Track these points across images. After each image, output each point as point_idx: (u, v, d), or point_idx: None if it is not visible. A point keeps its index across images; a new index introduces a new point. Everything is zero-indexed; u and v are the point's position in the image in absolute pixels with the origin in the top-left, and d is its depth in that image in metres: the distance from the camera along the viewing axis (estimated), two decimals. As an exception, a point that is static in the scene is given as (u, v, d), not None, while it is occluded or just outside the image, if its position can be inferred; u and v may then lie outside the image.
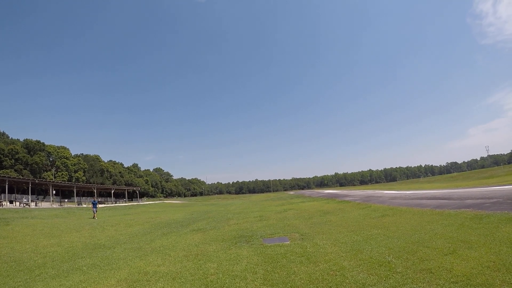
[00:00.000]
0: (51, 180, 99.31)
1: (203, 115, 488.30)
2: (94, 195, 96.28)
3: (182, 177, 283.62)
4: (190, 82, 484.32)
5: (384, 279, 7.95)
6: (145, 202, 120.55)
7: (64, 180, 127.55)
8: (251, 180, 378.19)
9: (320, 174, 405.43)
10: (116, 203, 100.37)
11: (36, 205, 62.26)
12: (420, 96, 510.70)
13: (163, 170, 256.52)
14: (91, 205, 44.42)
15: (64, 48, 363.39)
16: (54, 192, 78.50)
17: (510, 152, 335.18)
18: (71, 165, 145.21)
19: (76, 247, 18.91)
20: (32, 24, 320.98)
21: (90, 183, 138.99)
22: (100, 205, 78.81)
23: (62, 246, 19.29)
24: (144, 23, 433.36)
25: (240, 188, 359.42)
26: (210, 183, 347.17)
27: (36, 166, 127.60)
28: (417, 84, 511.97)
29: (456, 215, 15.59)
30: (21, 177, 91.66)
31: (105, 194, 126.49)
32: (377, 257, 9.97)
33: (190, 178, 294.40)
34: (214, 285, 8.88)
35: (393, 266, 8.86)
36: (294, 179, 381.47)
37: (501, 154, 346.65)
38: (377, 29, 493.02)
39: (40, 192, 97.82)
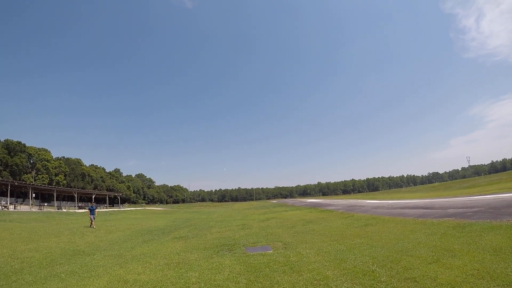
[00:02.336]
0: (31, 183, 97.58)
1: (186, 121, 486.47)
2: (75, 200, 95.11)
3: (164, 184, 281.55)
4: (173, 87, 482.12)
5: (368, 288, 7.87)
6: (127, 208, 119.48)
7: (45, 183, 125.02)
8: (234, 188, 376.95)
9: (303, 183, 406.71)
10: (97, 208, 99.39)
11: (15, 208, 61.19)
12: (401, 107, 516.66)
13: (146, 176, 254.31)
14: (87, 211, 39.95)
15: (45, 50, 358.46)
16: (34, 195, 77.18)
17: (490, 163, 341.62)
18: (52, 168, 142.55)
19: (54, 252, 18.51)
20: (14, 26, 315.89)
21: (71, 187, 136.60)
22: (80, 210, 77.79)
23: (40, 251, 18.87)
24: (130, 27, 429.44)
25: (223, 196, 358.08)
26: (192, 191, 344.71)
27: (16, 168, 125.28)
28: (398, 95, 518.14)
29: (439, 224, 15.70)
30: (0, 179, 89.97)
31: (85, 199, 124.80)
32: (361, 266, 9.92)
33: (172, 185, 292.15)
34: (196, 295, 8.72)
35: (377, 275, 8.81)
36: (277, 188, 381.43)
37: (482, 164, 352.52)
38: (360, 41, 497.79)
39: (20, 194, 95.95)
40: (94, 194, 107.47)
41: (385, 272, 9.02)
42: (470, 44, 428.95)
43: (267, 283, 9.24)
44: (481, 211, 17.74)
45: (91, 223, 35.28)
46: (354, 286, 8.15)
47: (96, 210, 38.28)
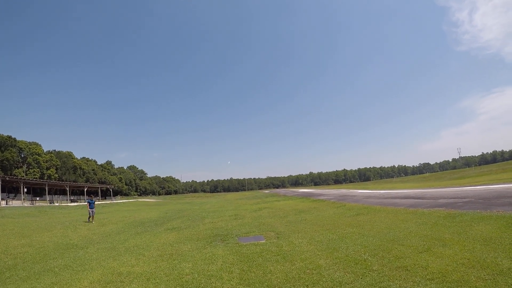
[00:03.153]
0: (23, 178, 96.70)
1: (178, 113, 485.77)
2: (67, 193, 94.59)
3: (156, 175, 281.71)
4: (165, 80, 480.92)
5: (360, 277, 7.96)
6: (119, 200, 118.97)
7: (36, 178, 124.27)
8: (226, 179, 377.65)
9: (294, 173, 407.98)
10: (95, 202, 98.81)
11: (6, 204, 60.57)
12: (394, 99, 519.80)
13: (137, 168, 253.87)
14: (87, 204, 34.64)
15: (33, 45, 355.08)
16: (25, 190, 76.72)
17: (481, 155, 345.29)
18: (43, 162, 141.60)
19: (47, 247, 18.41)
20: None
21: (63, 180, 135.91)
22: (72, 204, 77.37)
23: (33, 246, 18.77)
24: (120, 23, 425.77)
25: (215, 187, 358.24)
26: (184, 182, 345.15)
27: (7, 163, 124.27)
28: (390, 86, 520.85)
29: (429, 214, 15.80)
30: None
31: (78, 192, 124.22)
32: (353, 255, 10.00)
33: (164, 176, 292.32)
34: (190, 285, 8.73)
35: (369, 264, 8.89)
36: (269, 178, 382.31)
37: (473, 156, 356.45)
38: (354, 32, 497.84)
39: (11, 190, 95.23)
40: (86, 187, 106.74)
41: (377, 261, 9.10)
42: (463, 37, 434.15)
43: (260, 272, 9.28)
44: (472, 202, 17.87)
45: (91, 218, 32.63)
46: (346, 275, 8.20)
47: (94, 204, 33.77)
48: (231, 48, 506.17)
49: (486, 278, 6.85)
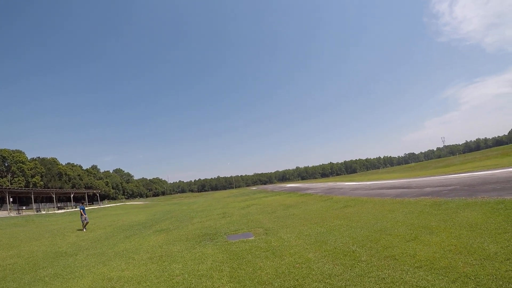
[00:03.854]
0: (8, 187, 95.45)
1: (161, 113, 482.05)
2: (53, 201, 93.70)
3: (143, 177, 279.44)
4: (144, 81, 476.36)
5: (349, 268, 7.99)
6: (106, 205, 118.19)
7: (21, 186, 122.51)
8: (213, 177, 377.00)
9: (281, 168, 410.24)
10: (76, 207, 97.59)
11: (-8, 215, 60.03)
12: (376, 90, 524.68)
13: (124, 171, 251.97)
14: (80, 211, 31.13)
15: (15, 51, 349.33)
16: (11, 199, 75.73)
17: (464, 143, 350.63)
18: (28, 170, 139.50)
19: (36, 256, 18.12)
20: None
21: (49, 187, 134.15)
22: (59, 211, 76.50)
23: (22, 256, 18.47)
24: (101, 24, 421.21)
25: (203, 186, 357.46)
26: (172, 182, 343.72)
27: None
28: (372, 78, 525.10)
29: (416, 202, 15.95)
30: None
31: (64, 199, 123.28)
32: (342, 247, 10.05)
33: (151, 178, 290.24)
34: (180, 286, 8.68)
35: (357, 255, 8.93)
36: (256, 175, 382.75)
37: (457, 144, 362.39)
38: (334, 25, 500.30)
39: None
40: (72, 193, 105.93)
41: (365, 251, 9.16)
42: (443, 29, 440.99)
43: (250, 269, 9.27)
44: (457, 189, 18.07)
45: (84, 226, 30.25)
46: (335, 267, 8.23)
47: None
48: (212, 45, 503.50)
49: (474, 263, 6.92)
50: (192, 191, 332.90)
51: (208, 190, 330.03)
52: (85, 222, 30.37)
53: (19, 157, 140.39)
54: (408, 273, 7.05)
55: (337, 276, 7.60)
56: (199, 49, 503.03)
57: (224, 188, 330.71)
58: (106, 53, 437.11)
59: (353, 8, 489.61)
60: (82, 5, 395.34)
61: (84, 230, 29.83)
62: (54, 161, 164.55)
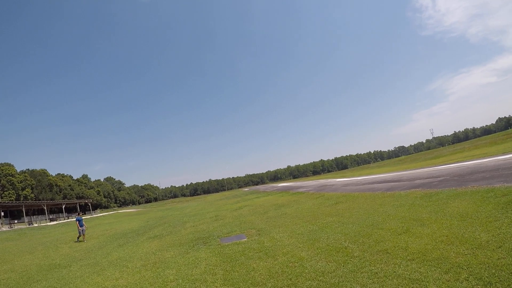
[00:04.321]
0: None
1: (149, 119, 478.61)
2: (45, 212, 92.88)
3: (134, 184, 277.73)
4: (131, 87, 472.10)
5: (342, 264, 7.99)
6: (99, 214, 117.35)
7: (12, 200, 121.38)
8: (205, 181, 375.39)
9: (273, 168, 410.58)
10: (68, 218, 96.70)
11: (-16, 230, 59.34)
12: (362, 86, 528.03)
13: (115, 179, 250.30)
14: (76, 223, 29.67)
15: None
16: (2, 214, 74.97)
17: (453, 133, 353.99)
18: (18, 183, 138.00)
19: (30, 270, 17.90)
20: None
21: (40, 199, 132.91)
22: (52, 223, 75.88)
23: (16, 271, 18.22)
24: (82, 25, 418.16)
25: (195, 190, 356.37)
26: (164, 188, 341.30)
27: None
28: (358, 74, 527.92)
29: (406, 195, 16.03)
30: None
31: (56, 210, 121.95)
32: (334, 244, 10.05)
33: (143, 185, 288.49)
34: (174, 292, 8.66)
35: (350, 251, 8.94)
36: (247, 176, 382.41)
37: (445, 135, 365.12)
38: (317, 21, 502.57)
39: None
40: (64, 204, 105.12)
41: (357, 247, 9.16)
42: (427, 22, 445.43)
43: (243, 271, 9.25)
44: (447, 180, 18.17)
45: (82, 236, 29.02)
46: (328, 264, 8.23)
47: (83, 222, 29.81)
48: (198, 48, 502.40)
49: (466, 253, 6.95)
50: (184, 195, 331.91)
51: (200, 194, 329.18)
52: (83, 233, 29.05)
53: (8, 170, 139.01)
54: (401, 266, 7.06)
55: (330, 273, 7.59)
56: (182, 53, 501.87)
57: (217, 190, 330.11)
58: (90, 62, 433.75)
59: (337, 5, 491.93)
60: (64, 14, 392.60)
61: (84, 240, 28.77)
62: (44, 173, 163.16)
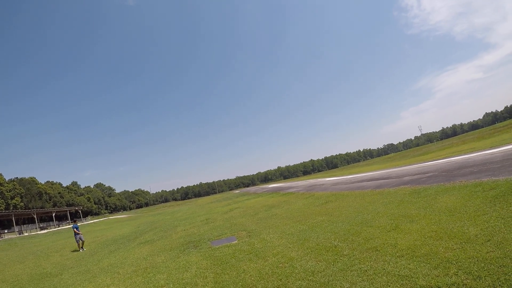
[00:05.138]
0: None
1: (137, 124, 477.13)
2: (35, 221, 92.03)
3: (125, 190, 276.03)
4: (120, 91, 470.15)
5: (332, 263, 7.97)
6: (90, 221, 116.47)
7: (1, 209, 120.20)
8: (195, 184, 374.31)
9: (263, 169, 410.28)
10: (59, 226, 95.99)
11: (-25, 241, 58.60)
12: (349, 85, 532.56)
13: (105, 185, 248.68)
14: (73, 229, 27.63)
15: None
16: (-9, 224, 74.25)
17: (441, 130, 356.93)
18: (7, 192, 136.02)
19: (22, 280, 17.74)
20: None
21: (29, 208, 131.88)
22: (42, 231, 75.13)
23: (7, 281, 18.04)
24: (71, 29, 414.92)
25: (186, 194, 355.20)
26: (154, 192, 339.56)
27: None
28: (344, 73, 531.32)
29: (395, 192, 16.11)
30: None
31: (46, 219, 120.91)
32: (324, 243, 10.04)
33: (133, 190, 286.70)
34: (165, 296, 8.60)
35: (339, 249, 8.93)
36: (238, 178, 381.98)
37: (434, 131, 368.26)
38: (305, 21, 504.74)
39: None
40: (54, 212, 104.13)
41: (347, 245, 9.16)
42: (413, 21, 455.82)
43: (234, 273, 9.21)
44: (435, 175, 18.30)
45: (80, 246, 26.84)
46: (318, 264, 8.20)
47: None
48: (186, 51, 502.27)
49: (455, 248, 6.96)
50: (175, 199, 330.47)
51: (191, 198, 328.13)
52: (81, 241, 26.94)
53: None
54: (390, 263, 7.05)
55: (320, 272, 7.57)
56: (168, 57, 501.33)
57: (208, 194, 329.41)
58: (77, 68, 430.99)
59: (324, 5, 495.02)
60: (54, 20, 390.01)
61: (81, 250, 26.44)
62: (33, 181, 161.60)
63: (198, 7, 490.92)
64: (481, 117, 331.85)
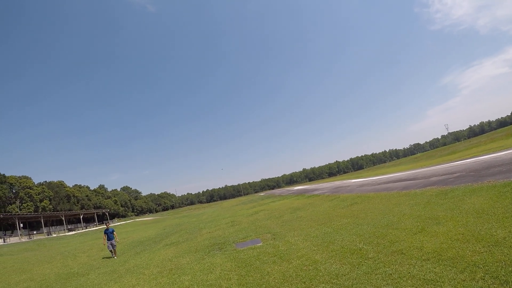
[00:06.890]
0: (17, 213, 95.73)
1: (163, 127, 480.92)
2: (63, 223, 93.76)
3: (151, 193, 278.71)
4: (142, 96, 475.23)
5: (356, 266, 7.91)
6: (116, 223, 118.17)
7: (30, 211, 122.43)
8: (221, 187, 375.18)
9: (288, 171, 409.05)
10: (86, 228, 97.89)
11: (4, 242, 59.81)
12: (375, 83, 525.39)
13: (131, 188, 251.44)
14: (103, 236, 23.36)
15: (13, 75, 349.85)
16: (21, 225, 75.75)
17: (469, 128, 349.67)
18: (36, 195, 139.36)
19: (49, 279, 18.08)
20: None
21: (58, 210, 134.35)
22: (70, 233, 76.45)
23: (35, 280, 18.42)
24: (92, 35, 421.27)
25: (211, 196, 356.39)
26: (180, 195, 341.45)
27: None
28: (369, 73, 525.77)
29: (422, 193, 15.86)
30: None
31: (74, 221, 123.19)
32: (349, 245, 9.96)
33: (159, 193, 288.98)
34: (189, 297, 8.66)
35: (364, 252, 8.85)
36: (263, 180, 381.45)
37: (461, 130, 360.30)
38: (328, 21, 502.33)
39: (7, 227, 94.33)
40: (81, 214, 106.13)
41: (372, 248, 9.07)
42: (435, 16, 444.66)
43: (258, 275, 9.23)
44: (463, 176, 17.96)
45: (113, 253, 22.90)
46: (342, 267, 8.15)
47: (115, 232, 23.33)
48: (209, 56, 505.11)
49: (482, 251, 6.81)
50: (201, 202, 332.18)
51: (216, 200, 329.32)
52: (113, 248, 22.81)
53: (26, 183, 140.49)
54: (416, 266, 6.95)
55: (344, 275, 7.52)
56: (192, 61, 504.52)
57: (233, 196, 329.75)
58: (101, 72, 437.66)
59: (345, 6, 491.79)
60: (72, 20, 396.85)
61: (112, 256, 22.76)
62: (61, 184, 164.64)
63: (217, 10, 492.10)
64: (509, 114, 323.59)
